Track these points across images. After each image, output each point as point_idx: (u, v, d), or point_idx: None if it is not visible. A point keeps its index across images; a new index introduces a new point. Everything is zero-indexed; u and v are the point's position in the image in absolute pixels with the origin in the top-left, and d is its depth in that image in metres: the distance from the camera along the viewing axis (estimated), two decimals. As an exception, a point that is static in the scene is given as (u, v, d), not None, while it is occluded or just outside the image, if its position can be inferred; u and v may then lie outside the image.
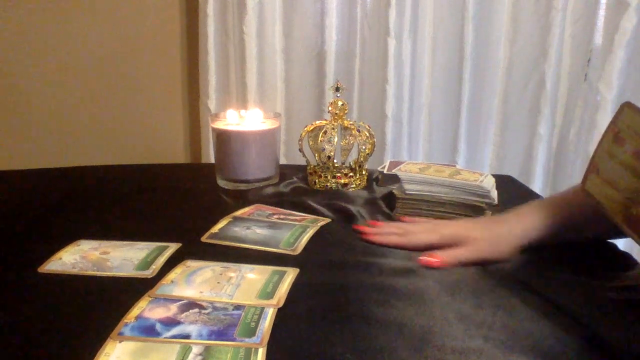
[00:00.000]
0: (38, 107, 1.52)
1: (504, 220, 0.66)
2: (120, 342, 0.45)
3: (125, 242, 0.66)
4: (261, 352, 0.44)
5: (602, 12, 1.44)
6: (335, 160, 0.90)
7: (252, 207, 0.82)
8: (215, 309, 0.50)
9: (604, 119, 1.38)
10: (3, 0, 1.43)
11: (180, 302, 0.51)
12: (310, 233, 0.71)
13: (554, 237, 0.64)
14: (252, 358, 0.43)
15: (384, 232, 0.69)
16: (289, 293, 0.54)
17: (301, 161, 0.97)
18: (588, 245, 0.67)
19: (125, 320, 0.48)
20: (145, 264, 0.61)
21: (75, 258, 0.62)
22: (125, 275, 0.58)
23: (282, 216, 0.78)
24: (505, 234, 0.64)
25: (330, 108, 0.92)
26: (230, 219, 0.76)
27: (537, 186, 1.48)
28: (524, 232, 0.64)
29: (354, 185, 0.91)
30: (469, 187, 0.77)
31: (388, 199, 0.84)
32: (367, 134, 0.90)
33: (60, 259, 0.62)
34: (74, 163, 1.08)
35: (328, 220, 0.76)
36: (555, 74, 1.52)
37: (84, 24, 1.47)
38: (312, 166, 0.92)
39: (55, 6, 1.45)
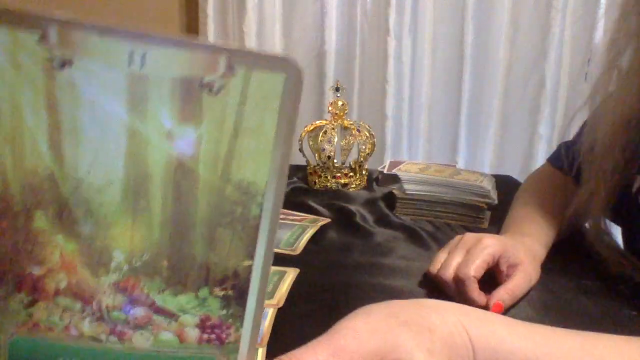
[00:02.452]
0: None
1: (520, 240, 0.59)
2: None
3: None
4: (261, 352, 0.44)
5: (602, 12, 1.44)
6: (335, 160, 0.90)
7: (252, 207, 0.82)
8: (215, 309, 0.50)
9: (604, 119, 1.38)
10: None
11: (180, 302, 0.51)
12: (310, 233, 0.71)
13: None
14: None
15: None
16: (289, 293, 0.54)
17: (301, 161, 0.97)
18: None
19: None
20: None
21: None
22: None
23: (282, 216, 0.78)
24: (534, 252, 0.59)
25: (330, 108, 0.92)
26: (230, 219, 0.76)
27: (537, 186, 1.48)
28: (540, 249, 0.61)
29: (354, 185, 0.91)
30: (469, 187, 0.77)
31: (388, 199, 0.84)
32: (367, 134, 0.90)
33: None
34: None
35: (328, 220, 0.76)
36: (555, 74, 1.52)
37: (84, 24, 1.47)
38: (312, 166, 0.92)
39: (56, 8, 1.45)
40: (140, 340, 0.27)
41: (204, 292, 0.26)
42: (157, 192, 0.25)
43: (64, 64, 0.23)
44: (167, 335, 0.27)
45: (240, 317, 0.27)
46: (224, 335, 0.27)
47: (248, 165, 0.25)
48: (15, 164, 0.24)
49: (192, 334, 0.27)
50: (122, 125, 0.23)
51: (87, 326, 0.26)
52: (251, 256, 0.26)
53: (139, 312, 0.26)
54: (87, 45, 0.22)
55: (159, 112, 0.23)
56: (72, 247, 0.25)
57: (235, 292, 0.26)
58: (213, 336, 0.27)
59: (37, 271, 0.26)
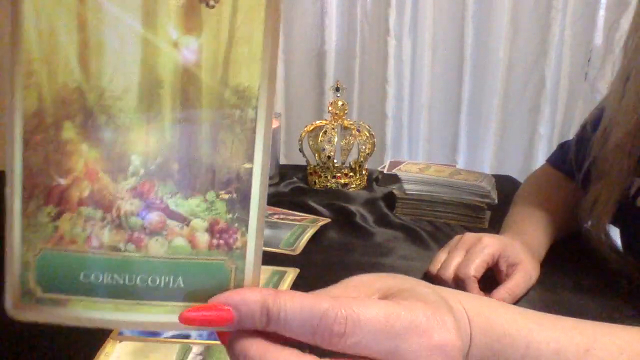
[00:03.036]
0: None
1: (520, 239, 0.59)
2: (120, 342, 0.45)
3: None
4: (261, 352, 0.44)
5: (602, 12, 1.44)
6: (335, 160, 0.90)
7: (252, 207, 0.82)
8: (215, 309, 0.50)
9: (604, 119, 1.38)
10: None
11: (180, 302, 0.51)
12: (310, 233, 0.71)
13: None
14: (252, 358, 0.43)
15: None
16: (289, 293, 0.54)
17: (301, 161, 0.97)
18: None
19: (125, 320, 0.48)
20: (145, 264, 0.61)
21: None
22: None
23: (282, 216, 0.78)
24: (533, 251, 0.59)
25: (330, 108, 0.92)
26: (230, 219, 0.76)
27: (537, 186, 1.48)
28: (540, 248, 0.62)
29: (354, 185, 0.91)
30: (469, 187, 0.77)
31: (388, 199, 0.84)
32: (367, 134, 0.90)
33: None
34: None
35: (328, 220, 0.76)
36: (555, 74, 1.52)
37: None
38: (312, 166, 0.92)
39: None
40: (156, 247, 0.29)
41: (211, 195, 0.29)
42: (167, 97, 0.28)
43: None
44: (179, 241, 0.29)
45: (245, 222, 0.29)
46: (231, 240, 0.29)
47: (242, 71, 0.28)
48: (50, 80, 0.27)
49: (203, 239, 0.29)
50: (137, 37, 0.27)
51: (106, 235, 0.29)
52: (251, 159, 0.29)
53: (154, 217, 0.29)
54: None
55: (167, 25, 0.27)
56: (95, 155, 0.28)
57: (239, 195, 0.29)
58: (222, 241, 0.29)
59: (63, 182, 0.28)
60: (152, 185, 0.28)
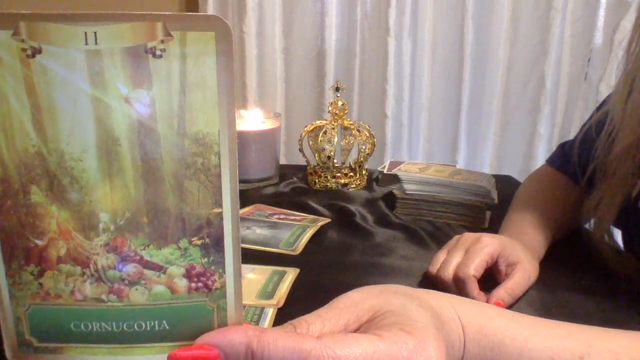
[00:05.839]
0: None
1: (519, 239, 0.60)
2: None
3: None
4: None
5: (602, 12, 1.44)
6: (335, 160, 0.90)
7: (252, 207, 0.82)
8: (215, 309, 0.50)
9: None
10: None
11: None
12: (310, 233, 0.71)
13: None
14: (252, 358, 0.43)
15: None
16: (289, 293, 0.54)
17: (301, 161, 0.97)
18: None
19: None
20: (145, 264, 0.61)
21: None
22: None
23: (282, 216, 0.78)
24: (532, 250, 0.59)
25: (330, 108, 0.92)
26: (230, 219, 0.76)
27: (537, 186, 1.48)
28: (539, 248, 0.62)
29: (354, 185, 0.91)
30: (469, 187, 0.77)
31: (388, 199, 0.84)
32: (367, 134, 0.90)
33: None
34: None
35: (328, 220, 0.76)
36: (555, 74, 1.52)
37: (84, 24, 1.47)
38: (312, 166, 0.92)
39: (57, 9, 1.44)
40: (137, 296, 0.30)
41: (183, 242, 0.30)
42: (126, 153, 0.28)
43: (35, 52, 0.26)
44: (159, 288, 0.30)
45: (221, 264, 0.30)
46: (209, 282, 0.30)
47: (199, 118, 0.28)
48: (9, 146, 0.27)
49: (181, 284, 0.30)
50: (87, 97, 0.27)
51: (88, 289, 0.30)
52: (219, 204, 0.30)
53: (130, 268, 0.30)
54: (50, 34, 0.26)
55: (115, 81, 0.27)
56: (65, 215, 0.29)
57: (212, 240, 0.30)
58: (200, 284, 0.30)
59: (40, 242, 0.29)
60: (124, 240, 0.29)
